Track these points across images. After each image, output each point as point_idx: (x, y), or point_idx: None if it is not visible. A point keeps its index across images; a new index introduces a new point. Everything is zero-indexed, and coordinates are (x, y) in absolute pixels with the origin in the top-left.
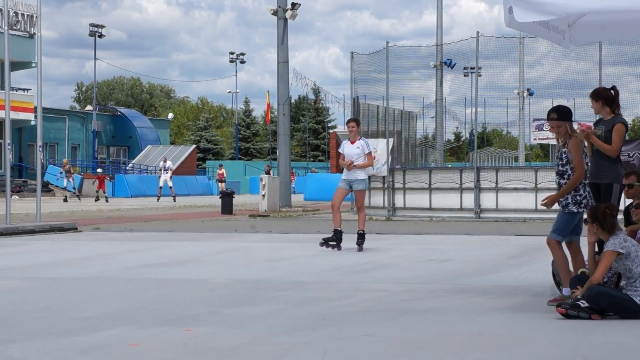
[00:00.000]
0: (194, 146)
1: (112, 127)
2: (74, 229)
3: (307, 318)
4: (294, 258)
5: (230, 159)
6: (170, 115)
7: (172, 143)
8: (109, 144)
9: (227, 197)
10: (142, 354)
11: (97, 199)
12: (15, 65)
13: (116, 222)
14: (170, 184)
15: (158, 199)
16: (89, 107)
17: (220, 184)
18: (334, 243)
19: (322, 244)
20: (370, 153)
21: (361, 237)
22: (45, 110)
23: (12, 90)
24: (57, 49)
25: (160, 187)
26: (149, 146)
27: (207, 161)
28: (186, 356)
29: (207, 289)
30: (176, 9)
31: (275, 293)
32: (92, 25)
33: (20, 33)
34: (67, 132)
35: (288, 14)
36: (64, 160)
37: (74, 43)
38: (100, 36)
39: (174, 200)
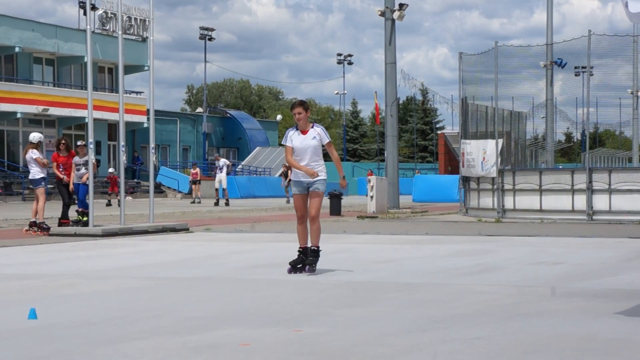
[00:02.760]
0: None
1: (222, 129)
2: (185, 229)
3: (416, 320)
4: (403, 259)
5: None
6: (279, 117)
7: (280, 144)
8: (218, 146)
9: (335, 199)
10: (254, 353)
11: (109, 203)
12: (129, 69)
13: (227, 222)
14: (224, 185)
15: (216, 203)
16: (199, 109)
17: (194, 185)
18: (301, 265)
19: (290, 271)
20: (330, 142)
21: (314, 255)
22: (157, 112)
23: (126, 93)
24: (168, 52)
25: (217, 189)
26: (258, 148)
27: None
28: (297, 356)
29: (316, 290)
30: (285, 11)
31: (384, 294)
32: (202, 28)
33: (133, 37)
34: (178, 134)
35: (395, 14)
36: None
37: (185, 46)
38: (211, 39)
39: (227, 204)
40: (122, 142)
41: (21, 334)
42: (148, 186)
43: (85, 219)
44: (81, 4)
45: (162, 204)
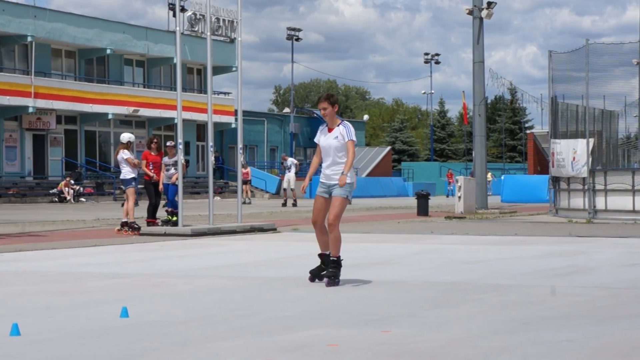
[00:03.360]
0: (389, 148)
1: (309, 129)
2: (273, 229)
3: (506, 322)
4: (491, 260)
5: (425, 160)
6: (366, 117)
7: (367, 144)
8: (305, 146)
9: (423, 199)
10: (341, 354)
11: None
12: (217, 70)
13: None
14: (292, 185)
15: (284, 204)
16: (286, 110)
17: (244, 185)
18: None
19: (312, 279)
20: (352, 141)
21: (335, 266)
22: (245, 113)
23: (214, 94)
24: (256, 52)
25: (284, 189)
26: None
27: (402, 162)
28: (385, 357)
29: (404, 291)
30: (372, 10)
31: (472, 295)
32: (289, 29)
33: (222, 38)
34: (265, 134)
35: (484, 13)
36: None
37: (273, 47)
38: (298, 39)
39: (294, 204)
40: (210, 143)
41: (114, 332)
42: (236, 186)
43: (174, 218)
44: (171, 6)
45: (250, 204)
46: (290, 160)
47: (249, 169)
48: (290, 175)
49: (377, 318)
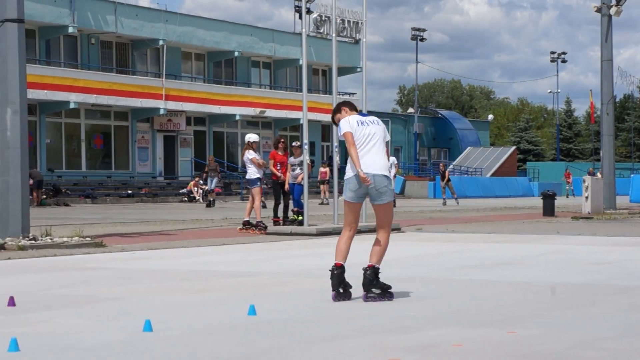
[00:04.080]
0: (514, 147)
1: (433, 129)
2: (397, 229)
3: (634, 324)
4: (620, 262)
5: (551, 160)
6: (490, 117)
7: (492, 144)
8: (429, 146)
9: (549, 199)
10: (467, 354)
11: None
12: (342, 71)
13: (437, 222)
14: (392, 185)
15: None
16: (410, 110)
17: (322, 185)
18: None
19: (335, 297)
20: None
21: (372, 276)
22: (369, 113)
23: (339, 94)
24: (380, 53)
25: None
26: (469, 148)
27: (527, 162)
28: (511, 358)
29: (529, 291)
30: (498, 9)
31: (600, 297)
32: (414, 29)
33: (347, 39)
34: (390, 135)
35: (612, 10)
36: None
37: (397, 47)
38: (422, 39)
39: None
40: (335, 143)
41: (241, 330)
42: None
43: (300, 218)
44: (297, 8)
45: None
46: (391, 160)
47: (327, 169)
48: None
49: (502, 319)
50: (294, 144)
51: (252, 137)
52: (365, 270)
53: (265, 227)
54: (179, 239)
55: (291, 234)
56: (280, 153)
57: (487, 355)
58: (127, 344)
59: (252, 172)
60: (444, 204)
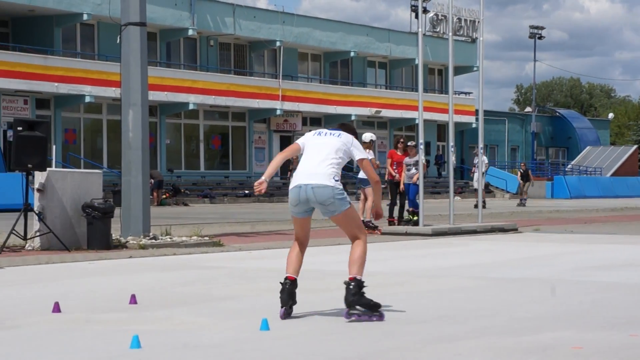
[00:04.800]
0: (635, 147)
1: (551, 129)
2: (514, 229)
3: None
4: None
5: None
6: (611, 115)
7: (612, 143)
8: (547, 145)
9: None
10: (587, 357)
11: None
12: (458, 70)
13: (556, 223)
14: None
15: (476, 205)
16: (528, 109)
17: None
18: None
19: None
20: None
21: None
22: (486, 112)
23: (455, 94)
24: (497, 52)
25: (476, 189)
26: (588, 147)
27: None
28: None
29: None
30: (619, 6)
31: None
32: (532, 27)
33: (463, 38)
34: (506, 134)
35: None
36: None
37: (515, 45)
38: (540, 37)
39: (484, 206)
40: (451, 143)
41: (358, 330)
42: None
43: (415, 218)
44: (413, 8)
45: (490, 203)
46: (483, 158)
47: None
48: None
49: (623, 321)
50: (409, 143)
51: (367, 136)
52: (347, 283)
53: (375, 227)
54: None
55: (406, 234)
56: (399, 153)
57: (608, 359)
58: (244, 342)
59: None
60: (524, 205)
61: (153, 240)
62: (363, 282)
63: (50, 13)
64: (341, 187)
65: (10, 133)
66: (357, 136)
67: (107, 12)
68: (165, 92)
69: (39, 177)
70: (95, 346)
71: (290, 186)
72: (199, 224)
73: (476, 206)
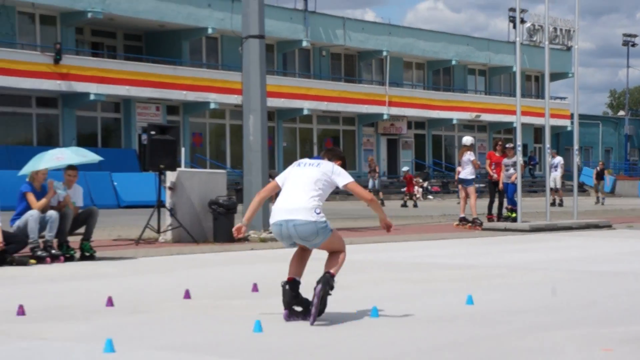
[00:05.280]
0: None
1: None
2: (608, 226)
3: None
4: None
5: None
6: None
7: None
8: None
9: None
10: None
11: (404, 204)
12: (554, 76)
13: None
14: (558, 184)
15: (556, 202)
16: (621, 112)
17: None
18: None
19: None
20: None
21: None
22: (581, 116)
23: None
24: (592, 59)
25: (551, 189)
26: None
27: None
28: None
29: None
30: None
31: None
32: (625, 35)
33: (558, 46)
34: (600, 136)
35: None
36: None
37: (608, 53)
38: (633, 45)
39: (560, 204)
40: (547, 145)
41: (459, 318)
42: (571, 185)
43: (514, 215)
44: (511, 18)
45: (584, 202)
46: (558, 159)
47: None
48: (557, 174)
49: None
50: (507, 145)
51: (469, 139)
52: (327, 273)
53: (481, 223)
54: (401, 234)
55: (505, 229)
56: (497, 154)
57: None
58: (354, 328)
59: (469, 173)
60: (602, 203)
61: (272, 234)
62: (334, 280)
63: (178, 28)
64: (323, 217)
65: (144, 137)
66: (344, 161)
67: (229, 26)
68: (282, 99)
69: (170, 176)
70: (222, 329)
71: (271, 221)
72: None
73: (553, 204)
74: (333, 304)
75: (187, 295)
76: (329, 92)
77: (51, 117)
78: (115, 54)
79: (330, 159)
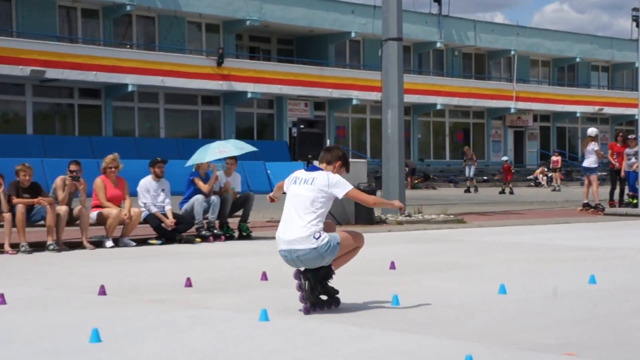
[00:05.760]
0: None
1: None
2: None
3: None
4: None
5: None
6: None
7: None
8: None
9: None
10: None
11: (502, 191)
12: None
13: None
14: None
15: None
16: None
17: (554, 173)
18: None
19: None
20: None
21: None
22: None
23: None
24: None
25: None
26: None
27: None
28: None
29: None
30: None
31: None
32: None
33: None
34: None
35: None
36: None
37: None
38: None
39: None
40: None
41: (582, 296)
42: None
43: (635, 201)
44: (634, 17)
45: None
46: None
47: (559, 157)
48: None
49: None
50: (629, 136)
51: (593, 131)
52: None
53: (603, 209)
54: (527, 218)
55: (626, 215)
56: (618, 144)
57: None
58: (482, 304)
59: (592, 162)
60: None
61: (408, 218)
62: (332, 273)
63: (325, 32)
64: (324, 239)
65: (294, 130)
66: (344, 159)
67: (371, 30)
68: (417, 95)
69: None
70: (358, 302)
71: (277, 240)
72: (445, 204)
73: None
74: (463, 283)
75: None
76: (460, 88)
77: (214, 114)
78: (270, 57)
79: (329, 162)
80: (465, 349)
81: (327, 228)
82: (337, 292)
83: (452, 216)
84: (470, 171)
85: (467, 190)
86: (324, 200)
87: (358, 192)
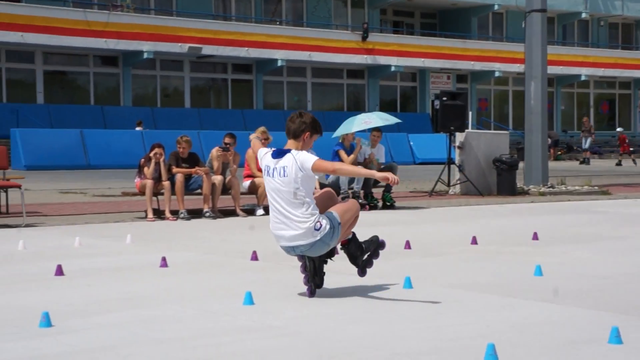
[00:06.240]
0: None
1: None
2: None
3: None
4: None
5: None
6: None
7: None
8: None
9: None
10: None
11: (619, 163)
12: None
13: None
14: None
15: None
16: None
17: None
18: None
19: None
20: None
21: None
22: None
23: None
24: None
25: None
26: None
27: None
28: None
29: None
30: None
31: None
32: None
33: None
34: None
35: None
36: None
37: None
38: None
39: None
40: None
41: (622, 285)
42: None
43: None
44: None
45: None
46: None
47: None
48: None
49: None
50: None
51: None
52: (343, 247)
53: None
54: None
55: None
56: None
57: None
58: (628, 275)
59: None
60: None
61: (550, 189)
62: (356, 237)
63: (468, 6)
64: (325, 227)
65: (436, 103)
66: (312, 123)
67: (514, 2)
68: (560, 67)
69: (459, 137)
70: (501, 272)
71: (274, 236)
72: (590, 175)
73: None
74: (607, 255)
75: (474, 241)
76: (606, 58)
77: (358, 87)
78: (413, 31)
79: (296, 135)
80: (612, 321)
81: (323, 202)
82: (375, 237)
83: (596, 187)
84: (586, 142)
85: (582, 162)
86: (304, 182)
87: (320, 162)
